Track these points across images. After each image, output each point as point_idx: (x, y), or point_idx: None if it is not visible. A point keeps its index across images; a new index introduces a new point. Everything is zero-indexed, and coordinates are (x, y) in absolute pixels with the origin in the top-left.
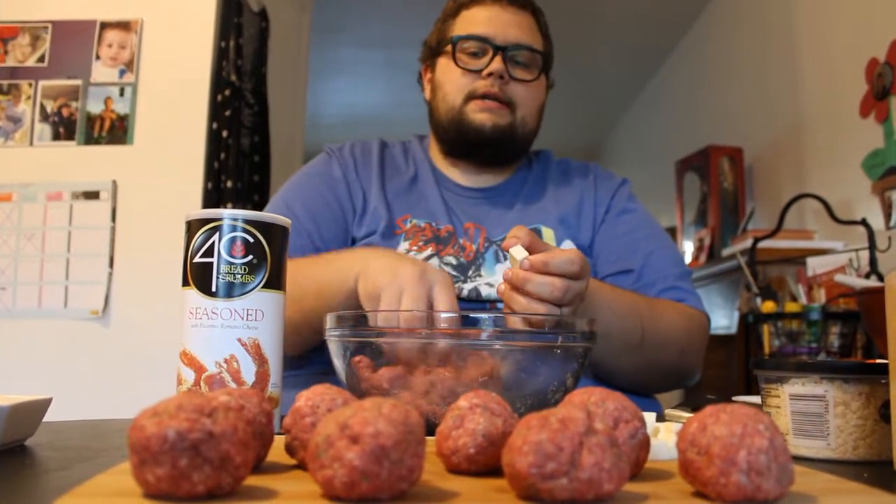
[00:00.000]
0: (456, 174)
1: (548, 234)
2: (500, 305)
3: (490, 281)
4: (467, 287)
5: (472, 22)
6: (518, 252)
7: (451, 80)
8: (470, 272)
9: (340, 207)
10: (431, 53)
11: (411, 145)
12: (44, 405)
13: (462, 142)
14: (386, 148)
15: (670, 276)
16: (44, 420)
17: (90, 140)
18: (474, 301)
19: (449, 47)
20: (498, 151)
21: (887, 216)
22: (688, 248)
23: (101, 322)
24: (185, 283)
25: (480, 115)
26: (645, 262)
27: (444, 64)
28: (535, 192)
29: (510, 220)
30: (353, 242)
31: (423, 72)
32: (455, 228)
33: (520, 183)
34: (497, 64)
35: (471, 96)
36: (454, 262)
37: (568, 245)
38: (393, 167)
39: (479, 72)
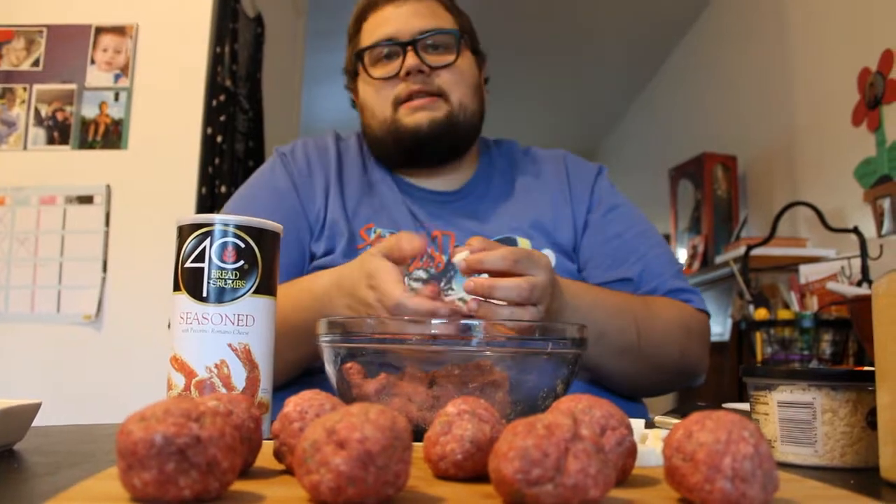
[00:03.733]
0: (414, 178)
1: (524, 245)
2: None
3: (463, 295)
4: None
5: (373, 29)
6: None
7: (372, 95)
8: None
9: (293, 222)
10: (351, 78)
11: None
12: (32, 410)
13: (402, 150)
14: (341, 141)
15: (669, 278)
16: (33, 424)
17: (84, 144)
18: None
19: (360, 64)
20: (443, 148)
21: (879, 224)
22: (681, 255)
23: (94, 326)
24: (176, 288)
25: (414, 117)
26: (642, 267)
27: (362, 83)
28: (503, 192)
29: (480, 231)
30: (313, 258)
31: (353, 96)
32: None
33: (485, 182)
34: (411, 59)
35: (398, 102)
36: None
37: (547, 253)
38: (350, 166)
39: (396, 76)
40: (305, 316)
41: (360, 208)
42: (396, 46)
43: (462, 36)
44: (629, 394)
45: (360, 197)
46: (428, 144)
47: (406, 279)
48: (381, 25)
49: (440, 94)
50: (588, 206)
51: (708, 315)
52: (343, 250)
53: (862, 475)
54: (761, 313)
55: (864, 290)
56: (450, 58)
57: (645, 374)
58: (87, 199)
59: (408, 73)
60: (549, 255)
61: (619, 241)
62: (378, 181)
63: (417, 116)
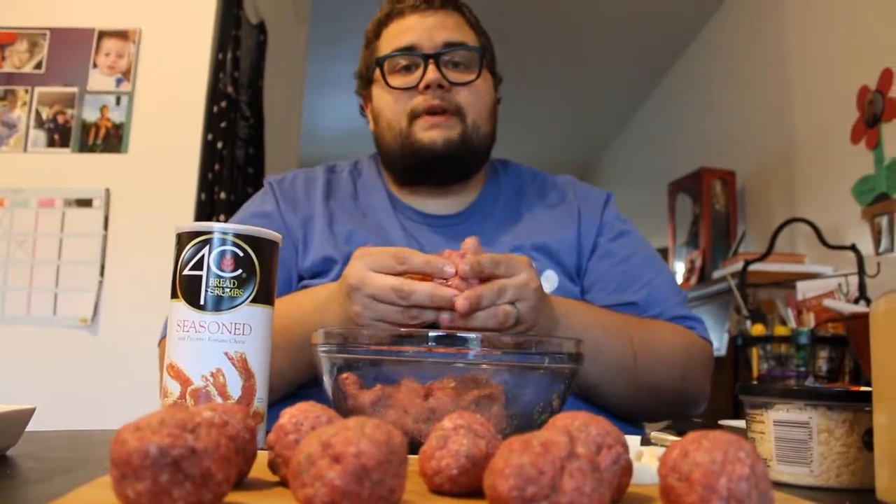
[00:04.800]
0: (415, 200)
1: None
2: None
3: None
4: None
5: (395, 37)
6: None
7: (388, 104)
8: None
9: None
10: (365, 84)
11: (363, 167)
12: (26, 415)
13: (415, 165)
14: (332, 174)
15: (674, 305)
16: (27, 429)
17: (84, 148)
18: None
19: (377, 72)
20: (455, 168)
21: (877, 242)
22: (679, 270)
23: (90, 330)
24: (174, 295)
25: (429, 133)
26: (648, 293)
27: (378, 91)
28: (507, 214)
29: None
30: (300, 280)
31: (363, 105)
32: None
33: (489, 205)
34: (431, 73)
35: (414, 115)
36: None
37: (550, 276)
38: (341, 195)
39: (415, 87)
40: (308, 320)
41: (355, 232)
42: (417, 57)
43: (484, 55)
44: (626, 417)
45: (353, 223)
46: (440, 163)
47: None
48: (404, 33)
49: (457, 113)
50: (598, 230)
51: (710, 344)
52: (336, 276)
53: (858, 496)
54: (758, 329)
55: (861, 308)
56: (470, 76)
57: (641, 398)
58: (86, 203)
59: (427, 87)
60: (553, 276)
61: (626, 265)
62: (373, 206)
63: (433, 133)
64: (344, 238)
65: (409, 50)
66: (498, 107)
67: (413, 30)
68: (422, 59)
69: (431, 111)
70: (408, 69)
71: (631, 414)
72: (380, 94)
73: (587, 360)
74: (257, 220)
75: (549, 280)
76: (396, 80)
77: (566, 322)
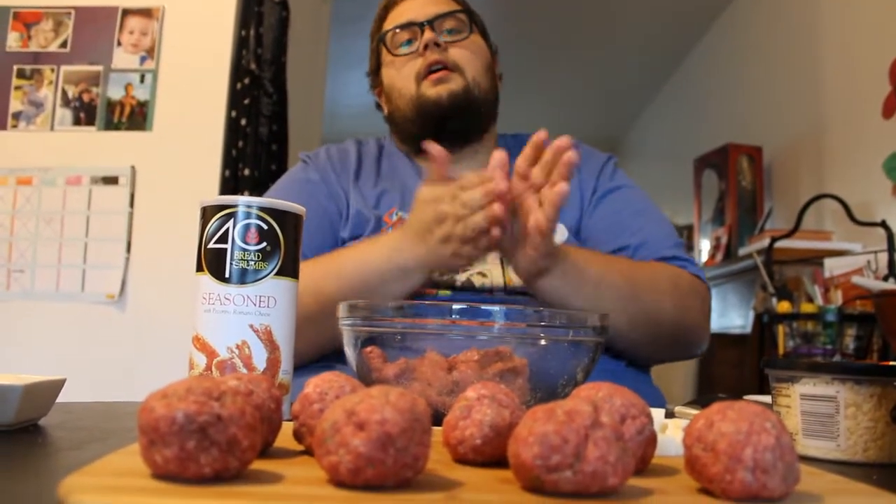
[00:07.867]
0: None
1: None
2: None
3: (482, 270)
4: (460, 278)
5: (393, 20)
6: None
7: (397, 73)
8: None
9: (324, 211)
10: (375, 73)
11: (385, 142)
12: (58, 386)
13: (425, 123)
14: (362, 146)
15: (664, 248)
16: (57, 400)
17: (110, 126)
18: (469, 291)
19: (385, 53)
20: (463, 122)
21: None
22: (704, 247)
23: (117, 306)
24: (199, 268)
25: (435, 89)
26: (638, 241)
27: (386, 69)
28: None
29: None
30: (343, 244)
31: (378, 97)
32: None
33: None
34: (428, 34)
35: (420, 77)
36: None
37: (559, 229)
38: (369, 164)
39: (416, 53)
40: (369, 268)
41: (382, 197)
42: (415, 27)
43: (472, 17)
44: (633, 353)
45: (381, 188)
46: (450, 118)
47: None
48: (402, 14)
49: (456, 68)
50: (593, 189)
51: (703, 282)
52: (369, 234)
53: (885, 471)
54: (784, 306)
55: (890, 285)
56: (462, 35)
57: (641, 325)
58: (112, 180)
59: (425, 47)
60: (563, 230)
61: (615, 217)
62: (398, 172)
63: (438, 89)
64: (374, 201)
65: (406, 23)
66: (500, 81)
67: (409, 9)
68: (418, 28)
69: (433, 68)
70: (409, 43)
71: (633, 346)
72: (388, 70)
73: (593, 289)
74: (299, 186)
75: (560, 232)
76: (400, 52)
77: (568, 259)
